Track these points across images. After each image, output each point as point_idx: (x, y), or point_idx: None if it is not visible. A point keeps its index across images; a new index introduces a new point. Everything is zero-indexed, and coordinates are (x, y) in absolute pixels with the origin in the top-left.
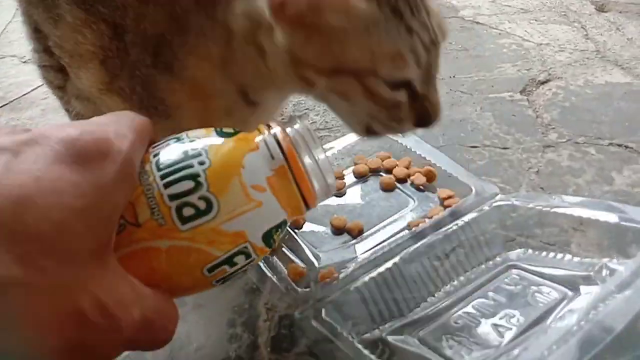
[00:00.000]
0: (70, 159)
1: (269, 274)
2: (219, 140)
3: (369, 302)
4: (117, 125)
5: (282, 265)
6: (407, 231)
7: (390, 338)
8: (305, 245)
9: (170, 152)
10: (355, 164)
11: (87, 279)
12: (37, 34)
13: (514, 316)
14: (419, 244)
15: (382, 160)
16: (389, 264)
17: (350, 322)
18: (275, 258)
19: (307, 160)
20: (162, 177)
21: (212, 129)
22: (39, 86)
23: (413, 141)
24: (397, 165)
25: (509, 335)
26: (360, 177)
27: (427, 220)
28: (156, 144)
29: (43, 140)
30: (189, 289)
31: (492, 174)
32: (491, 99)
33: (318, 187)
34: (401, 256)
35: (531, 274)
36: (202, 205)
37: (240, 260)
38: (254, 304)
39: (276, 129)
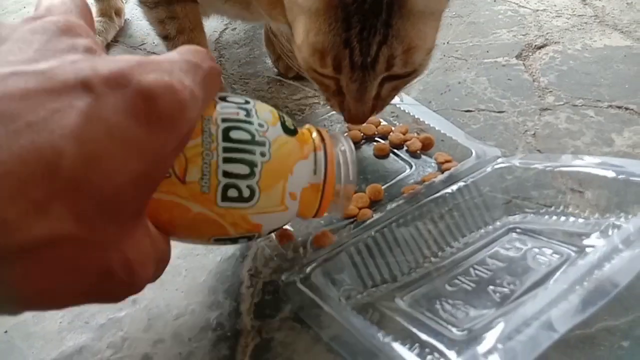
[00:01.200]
0: (145, 117)
1: (257, 241)
2: (283, 137)
3: (360, 266)
4: (195, 77)
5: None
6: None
7: (381, 302)
8: None
9: (239, 127)
10: (349, 130)
11: (121, 237)
12: None
13: (513, 279)
14: (413, 207)
15: (376, 127)
16: (381, 228)
17: (340, 286)
18: None
19: (338, 187)
20: (225, 150)
21: (278, 117)
22: None
23: (411, 104)
24: (392, 131)
25: (507, 297)
26: (354, 144)
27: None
28: (225, 101)
29: (126, 85)
30: (186, 240)
31: (488, 138)
32: (486, 64)
33: (334, 209)
34: (394, 220)
35: (532, 236)
36: (246, 193)
37: (243, 240)
38: (236, 271)
39: (328, 144)
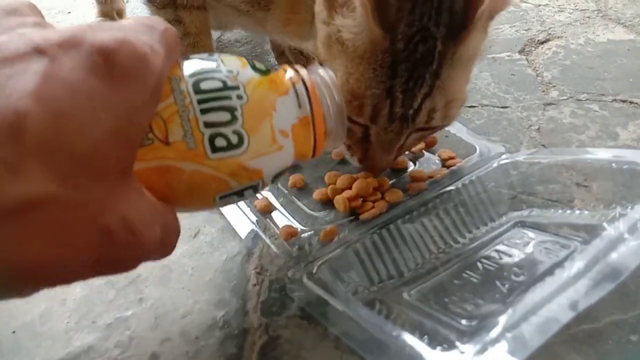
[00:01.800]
0: (106, 72)
1: (263, 236)
2: (256, 77)
3: (366, 262)
4: (152, 36)
5: (275, 228)
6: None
7: (388, 296)
8: (305, 206)
9: (208, 77)
10: None
11: (114, 197)
12: None
13: (521, 271)
14: (418, 203)
15: None
16: (387, 224)
17: (346, 282)
18: (269, 220)
19: (328, 114)
20: (200, 102)
21: (247, 61)
22: None
23: None
24: None
25: (515, 289)
26: None
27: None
28: (189, 59)
29: (79, 45)
30: (193, 207)
31: (492, 133)
32: (489, 59)
33: (332, 140)
34: (399, 216)
35: (538, 230)
36: (234, 139)
37: (248, 193)
38: (242, 269)
39: (305, 77)
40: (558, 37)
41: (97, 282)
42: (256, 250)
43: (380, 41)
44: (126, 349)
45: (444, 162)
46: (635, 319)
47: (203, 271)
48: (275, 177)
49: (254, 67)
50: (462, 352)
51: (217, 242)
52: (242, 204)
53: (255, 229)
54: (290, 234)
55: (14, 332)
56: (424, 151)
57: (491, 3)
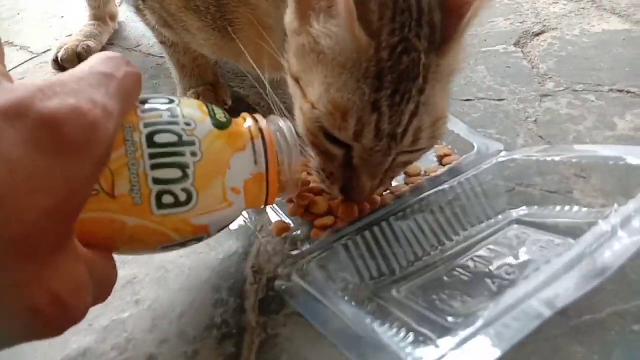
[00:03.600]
0: (51, 147)
1: (259, 237)
2: (214, 132)
3: (357, 260)
4: (107, 91)
5: (269, 226)
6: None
7: (378, 294)
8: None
9: (164, 129)
10: None
11: (43, 273)
12: None
13: (512, 269)
14: (413, 200)
15: None
16: (379, 222)
17: (336, 279)
18: (264, 220)
19: (284, 168)
20: (152, 157)
21: (207, 112)
22: (14, 67)
23: None
24: None
25: (505, 287)
26: None
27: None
28: (147, 104)
29: (25, 115)
30: (135, 254)
31: (488, 126)
32: (484, 52)
33: (285, 191)
34: (392, 213)
35: (534, 228)
36: (182, 197)
37: (193, 243)
38: (240, 268)
39: (264, 130)
40: (553, 29)
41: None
42: (253, 249)
43: (364, 48)
44: (123, 351)
45: (441, 160)
46: (638, 308)
47: (200, 271)
48: (222, 229)
49: (213, 118)
50: (437, 347)
51: (213, 242)
52: None
53: (251, 227)
54: (283, 229)
55: None
56: None
57: (472, 14)
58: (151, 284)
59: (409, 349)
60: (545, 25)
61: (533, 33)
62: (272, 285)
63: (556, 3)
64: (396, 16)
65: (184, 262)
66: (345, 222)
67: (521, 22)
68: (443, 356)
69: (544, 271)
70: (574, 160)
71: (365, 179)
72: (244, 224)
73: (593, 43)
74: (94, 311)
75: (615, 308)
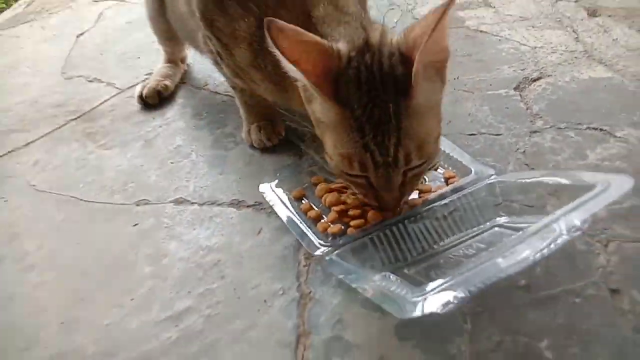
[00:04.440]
0: None
1: (306, 231)
2: None
3: (381, 250)
4: None
5: (315, 226)
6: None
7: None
8: None
9: None
10: None
11: None
12: (211, 27)
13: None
14: (424, 209)
15: None
16: (397, 223)
17: (367, 263)
18: (311, 218)
19: None
20: None
21: None
22: (105, 100)
23: None
24: None
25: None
26: None
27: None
28: None
29: None
30: None
31: (486, 155)
32: (489, 95)
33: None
34: (406, 217)
35: (510, 230)
36: None
37: None
38: (295, 255)
39: None
40: (549, 76)
41: (188, 266)
42: (304, 242)
43: (343, 115)
44: (214, 309)
45: (446, 180)
46: (580, 287)
47: (266, 258)
48: None
49: None
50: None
51: (275, 238)
52: (291, 209)
53: (302, 228)
54: (324, 228)
55: (132, 299)
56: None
57: (416, 69)
58: (232, 266)
59: (408, 296)
60: (542, 72)
61: (531, 79)
62: (318, 267)
63: (554, 52)
64: (361, 85)
65: (254, 251)
66: (371, 223)
67: (522, 69)
68: (424, 295)
69: (501, 247)
70: (549, 182)
71: (385, 194)
72: (297, 223)
73: (579, 88)
74: (190, 283)
75: (565, 287)
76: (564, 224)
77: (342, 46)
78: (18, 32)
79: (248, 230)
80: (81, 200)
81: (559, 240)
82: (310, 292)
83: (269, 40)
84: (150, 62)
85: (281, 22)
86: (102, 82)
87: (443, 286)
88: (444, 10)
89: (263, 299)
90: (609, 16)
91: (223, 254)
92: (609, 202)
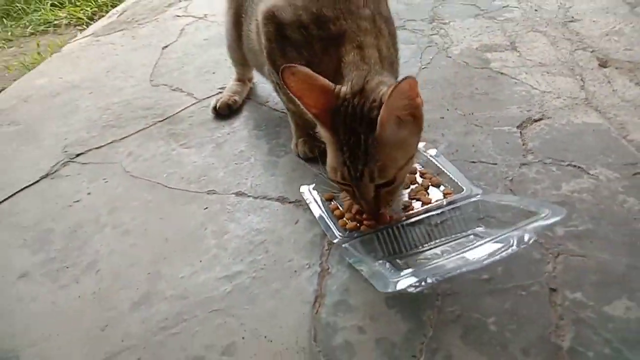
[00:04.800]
0: None
1: (330, 225)
2: None
3: (382, 244)
4: None
5: (337, 222)
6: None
7: (390, 261)
8: None
9: None
10: None
11: None
12: (274, 64)
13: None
14: (422, 216)
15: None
16: (397, 225)
17: (371, 253)
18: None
19: None
20: None
21: None
22: (186, 107)
23: (437, 155)
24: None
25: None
26: None
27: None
28: None
29: None
30: None
31: (481, 179)
32: (495, 130)
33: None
34: (406, 221)
35: (481, 238)
36: None
37: None
38: (321, 241)
39: None
40: (549, 118)
41: (243, 242)
42: (328, 233)
43: (332, 137)
44: (259, 273)
45: (444, 195)
46: (528, 285)
47: (300, 241)
48: None
49: None
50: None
51: (308, 227)
52: (322, 207)
53: (328, 222)
54: (344, 225)
55: (200, 261)
56: (432, 187)
57: (386, 110)
58: (273, 244)
59: (388, 277)
60: (544, 114)
61: (533, 119)
62: (336, 252)
63: (559, 97)
64: (347, 118)
65: (291, 236)
66: (371, 226)
67: (528, 110)
68: (401, 277)
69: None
70: (520, 206)
71: (363, 203)
72: (325, 219)
73: (572, 131)
74: (243, 254)
75: (517, 283)
76: (517, 238)
77: (343, 89)
78: (112, 39)
79: (288, 220)
80: (165, 186)
81: (510, 250)
82: (328, 268)
83: (282, 81)
84: (223, 77)
85: (296, 67)
86: (183, 91)
87: (414, 273)
88: (399, 82)
89: (294, 269)
90: (616, 68)
91: (268, 235)
92: (545, 226)
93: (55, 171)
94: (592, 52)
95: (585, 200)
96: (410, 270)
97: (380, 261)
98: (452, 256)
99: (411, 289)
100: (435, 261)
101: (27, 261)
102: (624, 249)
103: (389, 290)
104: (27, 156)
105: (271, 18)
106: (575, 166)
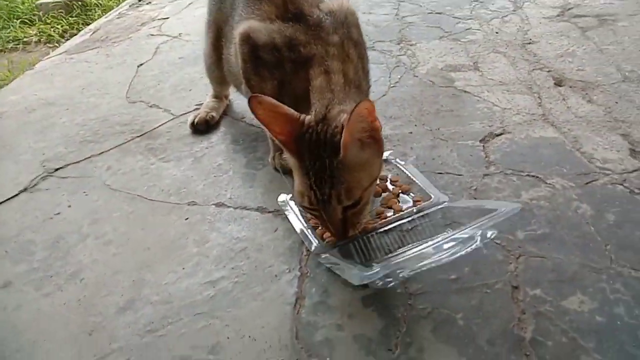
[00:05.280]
0: None
1: (309, 235)
2: None
3: (358, 250)
4: None
5: (313, 233)
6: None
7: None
8: None
9: None
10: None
11: None
12: (249, 82)
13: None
14: (393, 223)
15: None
16: (371, 232)
17: (347, 258)
18: (310, 225)
19: None
20: None
21: None
22: (163, 123)
23: (408, 166)
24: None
25: None
26: None
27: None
28: None
29: None
30: None
31: (447, 189)
32: (459, 144)
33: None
34: (378, 228)
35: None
36: None
37: None
38: (299, 248)
39: None
40: (509, 133)
41: (224, 249)
42: (306, 241)
43: (298, 162)
44: (241, 278)
45: (414, 203)
46: (492, 283)
47: (279, 248)
48: None
49: None
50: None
51: (286, 235)
52: (299, 216)
53: (305, 231)
54: (322, 234)
55: (183, 268)
56: (402, 194)
57: (347, 134)
58: (254, 252)
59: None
60: (504, 129)
61: (495, 134)
62: (314, 258)
63: (518, 114)
64: (311, 144)
65: (270, 243)
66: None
67: (490, 126)
68: (373, 270)
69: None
70: (481, 207)
71: (330, 223)
72: (302, 229)
73: (530, 144)
74: (224, 261)
75: (482, 282)
76: (479, 234)
77: (308, 117)
78: (86, 57)
79: (268, 228)
80: (145, 198)
81: (474, 246)
82: (307, 272)
83: (250, 109)
84: (199, 94)
85: (262, 97)
86: (160, 108)
87: (385, 267)
88: (354, 108)
89: (274, 274)
90: (570, 87)
91: (249, 243)
92: (503, 219)
93: (34, 185)
94: (548, 72)
95: (543, 206)
96: (380, 264)
97: (356, 264)
98: (419, 251)
99: (381, 282)
100: (403, 257)
101: (9, 271)
102: (577, 250)
103: (363, 282)
104: (4, 170)
105: (246, 39)
106: (533, 176)
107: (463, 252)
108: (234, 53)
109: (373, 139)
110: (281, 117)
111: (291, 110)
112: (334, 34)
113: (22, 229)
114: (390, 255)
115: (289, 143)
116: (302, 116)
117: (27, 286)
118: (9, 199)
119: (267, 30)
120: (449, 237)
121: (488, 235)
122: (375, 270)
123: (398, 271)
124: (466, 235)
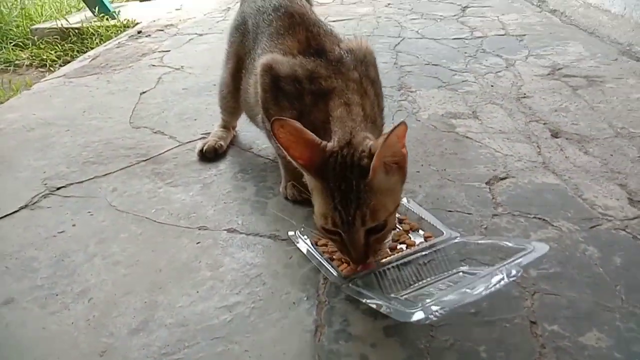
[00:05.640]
0: None
1: (325, 264)
2: None
3: (381, 282)
4: None
5: (331, 264)
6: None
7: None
8: None
9: None
10: None
11: None
12: (267, 113)
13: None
14: (410, 257)
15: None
16: (391, 265)
17: (375, 290)
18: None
19: None
20: None
21: None
22: (169, 149)
23: (416, 205)
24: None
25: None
26: None
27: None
28: None
29: None
30: None
31: (458, 227)
32: (466, 185)
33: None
34: (394, 261)
35: (469, 274)
36: None
37: None
38: (316, 277)
39: None
40: (513, 177)
41: (239, 275)
42: (322, 270)
43: (321, 184)
44: (258, 304)
45: (425, 238)
46: (511, 317)
47: (295, 275)
48: None
49: None
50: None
51: (302, 263)
52: (315, 252)
53: (319, 259)
54: (344, 268)
55: (197, 291)
56: (412, 231)
57: (379, 158)
58: (269, 278)
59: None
60: (508, 174)
61: (499, 177)
62: (332, 287)
63: (520, 160)
64: (336, 166)
65: (286, 271)
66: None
67: (494, 170)
68: (416, 309)
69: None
70: (498, 244)
71: (351, 248)
72: (318, 258)
73: (533, 189)
74: (240, 286)
75: (501, 316)
76: (505, 271)
77: (330, 144)
78: (86, 81)
79: (282, 255)
80: (154, 221)
81: (502, 282)
82: (325, 300)
83: (271, 132)
84: (205, 124)
85: (285, 120)
86: (165, 134)
87: (429, 305)
88: (390, 132)
89: (292, 301)
90: (567, 139)
91: (264, 269)
92: (534, 259)
93: (35, 202)
94: (544, 124)
95: (552, 247)
96: (423, 303)
97: (388, 296)
98: (456, 290)
99: (424, 319)
100: (439, 295)
101: (11, 288)
102: (589, 289)
103: (409, 320)
104: (3, 186)
105: (269, 70)
106: (540, 218)
107: (493, 289)
108: (252, 84)
109: (398, 166)
110: (302, 142)
111: (313, 135)
112: (353, 70)
113: (24, 246)
114: (415, 288)
115: (308, 167)
116: (324, 143)
117: (30, 303)
118: (9, 214)
119: (290, 63)
120: (482, 277)
121: (513, 272)
122: (418, 309)
123: (438, 310)
124: (499, 275)
